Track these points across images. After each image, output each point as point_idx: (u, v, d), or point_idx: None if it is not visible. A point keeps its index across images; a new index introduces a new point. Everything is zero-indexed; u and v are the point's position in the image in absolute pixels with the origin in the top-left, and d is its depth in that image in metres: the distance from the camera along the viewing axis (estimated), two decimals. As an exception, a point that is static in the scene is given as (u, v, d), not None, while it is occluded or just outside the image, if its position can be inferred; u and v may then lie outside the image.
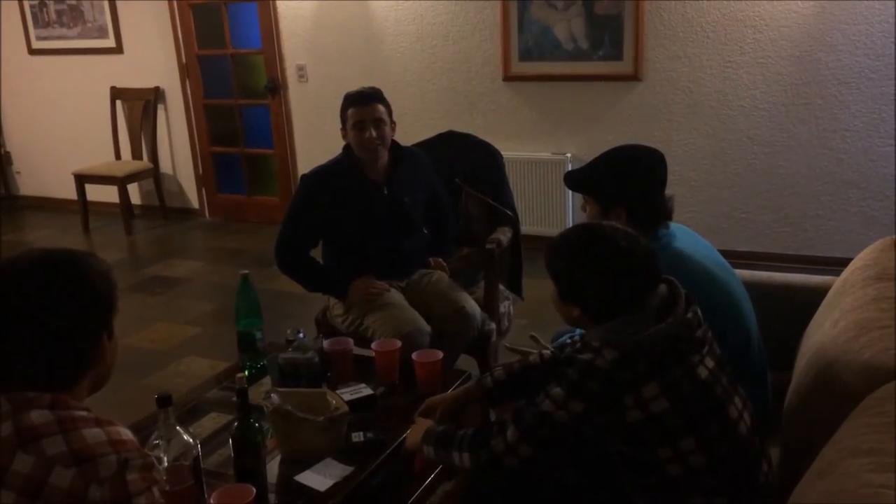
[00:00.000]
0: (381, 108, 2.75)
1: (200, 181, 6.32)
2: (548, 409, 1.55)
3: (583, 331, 2.22)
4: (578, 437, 1.58)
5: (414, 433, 1.88)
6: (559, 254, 1.70)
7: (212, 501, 1.64)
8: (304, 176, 2.87)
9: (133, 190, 6.33)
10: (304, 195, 2.85)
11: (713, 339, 1.64)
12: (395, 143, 2.87)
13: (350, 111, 2.76)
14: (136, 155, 6.25)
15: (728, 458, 1.57)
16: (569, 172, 2.19)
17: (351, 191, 2.80)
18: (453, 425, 1.81)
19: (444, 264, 3.03)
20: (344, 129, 2.81)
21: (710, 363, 1.59)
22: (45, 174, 6.86)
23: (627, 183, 2.02)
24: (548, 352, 2.04)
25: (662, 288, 1.66)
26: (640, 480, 1.62)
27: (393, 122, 2.82)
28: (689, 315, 1.59)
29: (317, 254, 2.95)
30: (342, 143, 2.87)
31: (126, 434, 1.25)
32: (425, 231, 3.00)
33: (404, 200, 2.86)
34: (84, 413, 1.23)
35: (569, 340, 2.27)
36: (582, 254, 1.66)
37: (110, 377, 1.39)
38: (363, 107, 2.74)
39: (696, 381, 1.55)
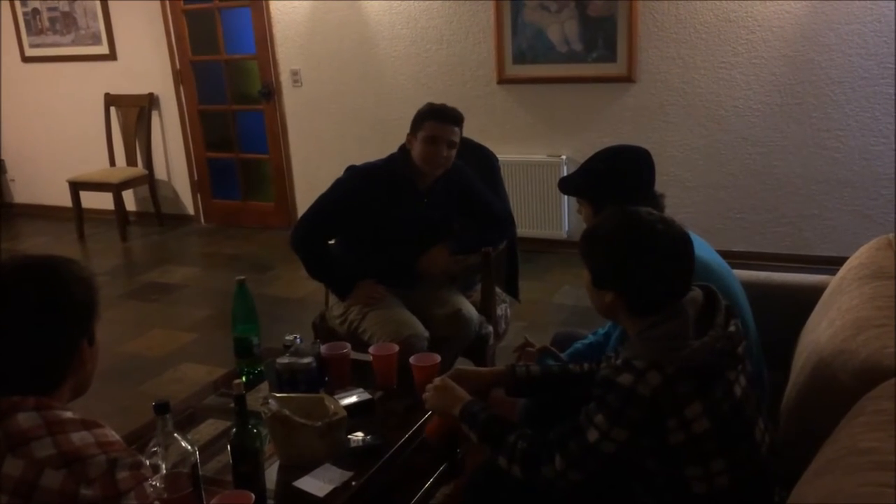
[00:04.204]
0: (457, 130, 2.76)
1: (195, 187, 6.31)
2: (593, 441, 1.51)
3: (602, 332, 2.23)
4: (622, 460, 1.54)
5: (442, 398, 1.82)
6: (594, 238, 1.65)
7: (210, 508, 1.64)
8: (352, 167, 2.85)
9: (128, 196, 6.32)
10: (348, 185, 2.81)
11: (747, 357, 1.62)
12: None
13: (428, 123, 2.73)
14: (131, 161, 6.24)
15: (748, 480, 1.55)
16: (562, 178, 2.22)
17: (394, 194, 2.79)
18: (495, 413, 1.74)
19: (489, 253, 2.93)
20: (412, 134, 2.77)
21: (743, 381, 1.56)
22: (40, 182, 6.85)
23: (614, 183, 2.04)
24: (587, 365, 1.99)
25: (699, 294, 1.63)
26: (658, 494, 1.59)
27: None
28: (732, 328, 1.56)
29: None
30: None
31: (112, 435, 1.27)
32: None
33: (438, 214, 2.86)
34: (70, 415, 1.25)
35: (579, 346, 2.27)
36: (618, 236, 1.61)
37: (91, 383, 1.40)
38: (442, 125, 2.73)
39: (733, 399, 1.52)
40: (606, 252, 1.62)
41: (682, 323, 1.55)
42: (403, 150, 2.83)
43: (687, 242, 1.61)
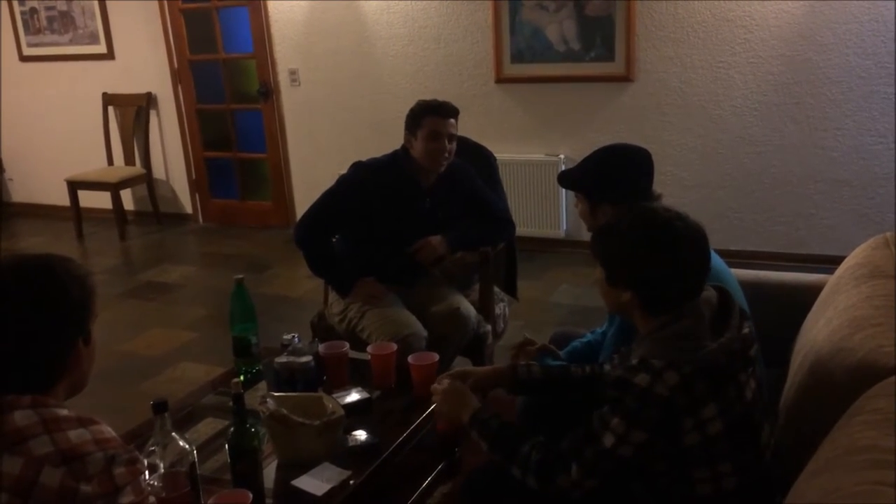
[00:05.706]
0: (454, 122, 2.78)
1: (193, 186, 6.30)
2: (609, 446, 1.48)
3: (600, 331, 2.23)
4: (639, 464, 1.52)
5: (452, 403, 1.81)
6: (610, 235, 1.64)
7: (208, 507, 1.64)
8: (358, 163, 2.86)
9: (126, 196, 6.31)
10: (353, 181, 2.82)
11: (759, 360, 1.61)
12: None
13: (428, 119, 2.73)
14: (129, 161, 6.23)
15: (752, 483, 1.54)
16: (561, 172, 2.23)
17: (398, 192, 2.80)
18: (506, 422, 1.72)
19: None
20: (411, 133, 2.78)
21: (753, 385, 1.55)
22: (38, 181, 6.84)
23: (613, 180, 2.05)
24: (589, 367, 1.98)
25: (713, 294, 1.62)
26: (660, 494, 1.58)
27: None
28: (746, 330, 1.56)
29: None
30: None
31: (108, 432, 1.27)
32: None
33: (441, 213, 2.87)
34: (66, 412, 1.25)
35: (577, 344, 2.27)
36: (635, 232, 1.58)
37: (87, 382, 1.40)
38: (444, 119, 2.74)
39: (744, 402, 1.51)
40: (623, 248, 1.60)
41: (695, 323, 1.54)
42: (404, 149, 2.83)
43: (704, 239, 1.60)
